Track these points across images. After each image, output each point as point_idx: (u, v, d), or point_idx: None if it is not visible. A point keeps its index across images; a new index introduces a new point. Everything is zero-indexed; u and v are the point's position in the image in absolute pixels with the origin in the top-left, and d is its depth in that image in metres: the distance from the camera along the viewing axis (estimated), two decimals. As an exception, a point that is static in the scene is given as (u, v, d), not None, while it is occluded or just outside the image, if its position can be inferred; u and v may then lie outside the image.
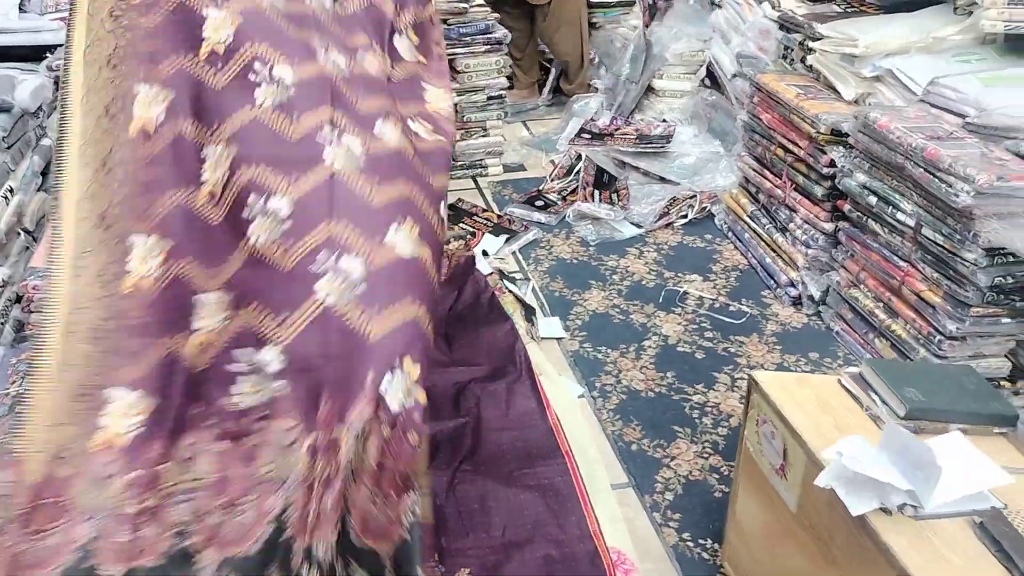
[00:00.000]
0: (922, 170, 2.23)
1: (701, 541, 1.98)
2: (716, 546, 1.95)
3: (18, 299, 2.24)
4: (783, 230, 2.92)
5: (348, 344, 1.38)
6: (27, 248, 2.40)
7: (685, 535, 1.99)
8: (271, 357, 1.37)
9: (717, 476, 2.14)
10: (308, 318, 1.40)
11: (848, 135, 2.56)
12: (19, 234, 2.41)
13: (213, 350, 1.41)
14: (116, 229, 1.50)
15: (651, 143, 3.66)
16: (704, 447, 2.24)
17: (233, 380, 1.37)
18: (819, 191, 2.71)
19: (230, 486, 1.31)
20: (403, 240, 1.52)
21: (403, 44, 1.93)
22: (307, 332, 1.39)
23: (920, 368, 2.01)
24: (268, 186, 1.52)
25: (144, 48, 1.64)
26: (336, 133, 1.60)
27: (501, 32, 3.61)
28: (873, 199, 2.46)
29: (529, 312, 2.74)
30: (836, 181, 2.62)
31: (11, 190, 2.35)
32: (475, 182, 3.71)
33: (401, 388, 1.34)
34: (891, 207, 2.39)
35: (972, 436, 1.49)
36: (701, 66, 3.92)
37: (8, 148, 2.41)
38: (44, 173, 2.72)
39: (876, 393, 1.58)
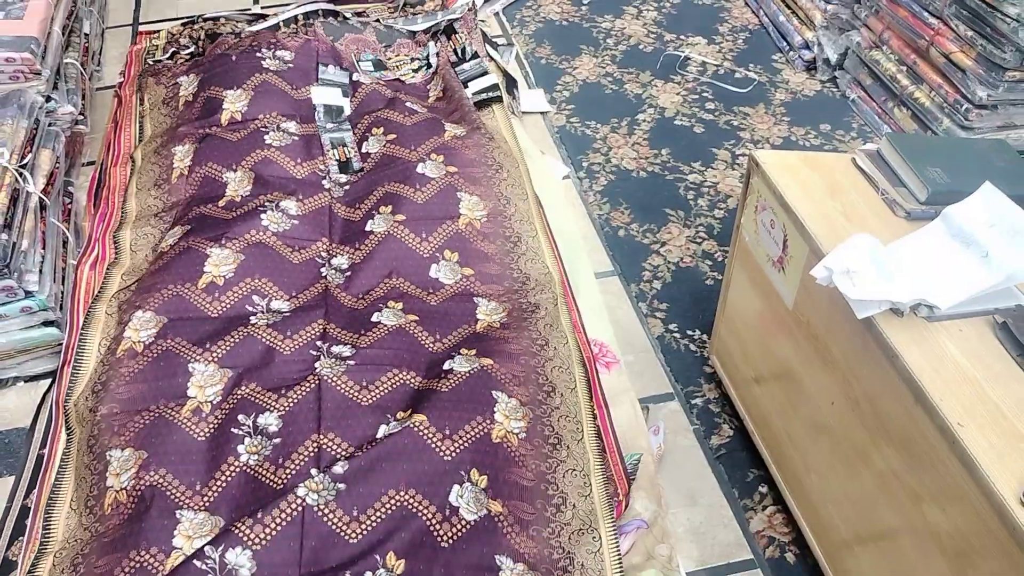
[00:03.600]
0: (970, -96, 1.89)
1: (689, 332, 1.85)
2: (704, 337, 1.82)
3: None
4: (800, -17, 2.57)
5: (325, 547, 1.36)
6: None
7: (672, 326, 1.86)
8: (243, 561, 1.33)
9: (710, 263, 1.98)
10: (285, 519, 1.37)
11: None
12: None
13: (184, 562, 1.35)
14: (97, 448, 1.51)
15: None
16: (698, 231, 2.06)
17: None
18: (845, -65, 2.35)
19: None
20: (392, 427, 1.50)
21: (429, 167, 2.05)
22: (282, 535, 1.36)
23: (946, 143, 1.78)
24: (258, 404, 1.54)
25: (147, 282, 1.80)
26: (327, 345, 1.65)
27: None
28: (907, -57, 2.12)
29: (510, 84, 2.47)
30: (866, -78, 2.26)
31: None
32: (455, -68, 3.29)
33: None
34: (928, -48, 2.06)
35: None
36: None
37: None
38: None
39: (894, 173, 1.37)
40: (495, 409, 1.54)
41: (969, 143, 1.78)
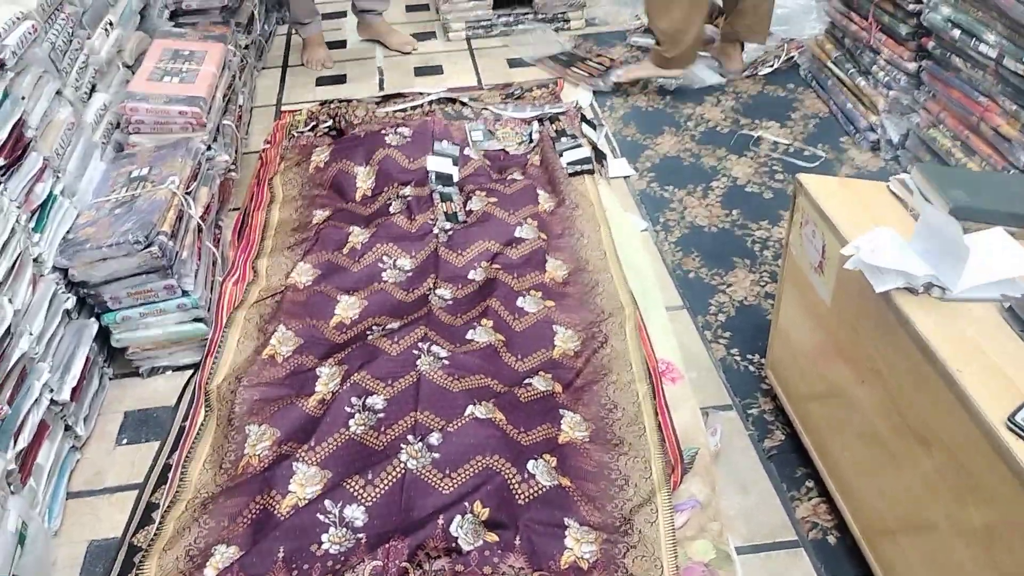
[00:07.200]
0: (1008, -6, 2.14)
1: (748, 356, 2.04)
2: (762, 360, 2.01)
3: (117, 124, 2.42)
4: (866, 73, 2.84)
5: (422, 497, 1.60)
6: (126, 81, 2.56)
7: (733, 351, 2.06)
8: (358, 515, 1.59)
9: (771, 302, 2.18)
10: (390, 481, 1.64)
11: (937, -34, 2.45)
12: (119, 67, 2.57)
13: (302, 507, 1.61)
14: (236, 422, 1.84)
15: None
16: (762, 276, 2.27)
17: (325, 529, 1.58)
18: (904, 29, 2.61)
19: None
20: (479, 411, 1.77)
21: (524, 230, 2.39)
22: (389, 493, 1.62)
23: (973, 174, 1.98)
24: (368, 390, 1.83)
25: (287, 308, 2.16)
26: (427, 345, 1.94)
27: None
28: (957, 32, 2.36)
29: (600, 156, 2.78)
30: (921, 17, 2.53)
31: (111, 23, 2.50)
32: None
33: (471, 530, 1.55)
34: (974, 39, 2.30)
35: (1020, 239, 1.48)
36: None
37: (107, -16, 2.55)
38: (141, 14, 2.87)
39: (922, 194, 1.59)
40: (561, 425, 1.79)
41: (994, 174, 1.98)
